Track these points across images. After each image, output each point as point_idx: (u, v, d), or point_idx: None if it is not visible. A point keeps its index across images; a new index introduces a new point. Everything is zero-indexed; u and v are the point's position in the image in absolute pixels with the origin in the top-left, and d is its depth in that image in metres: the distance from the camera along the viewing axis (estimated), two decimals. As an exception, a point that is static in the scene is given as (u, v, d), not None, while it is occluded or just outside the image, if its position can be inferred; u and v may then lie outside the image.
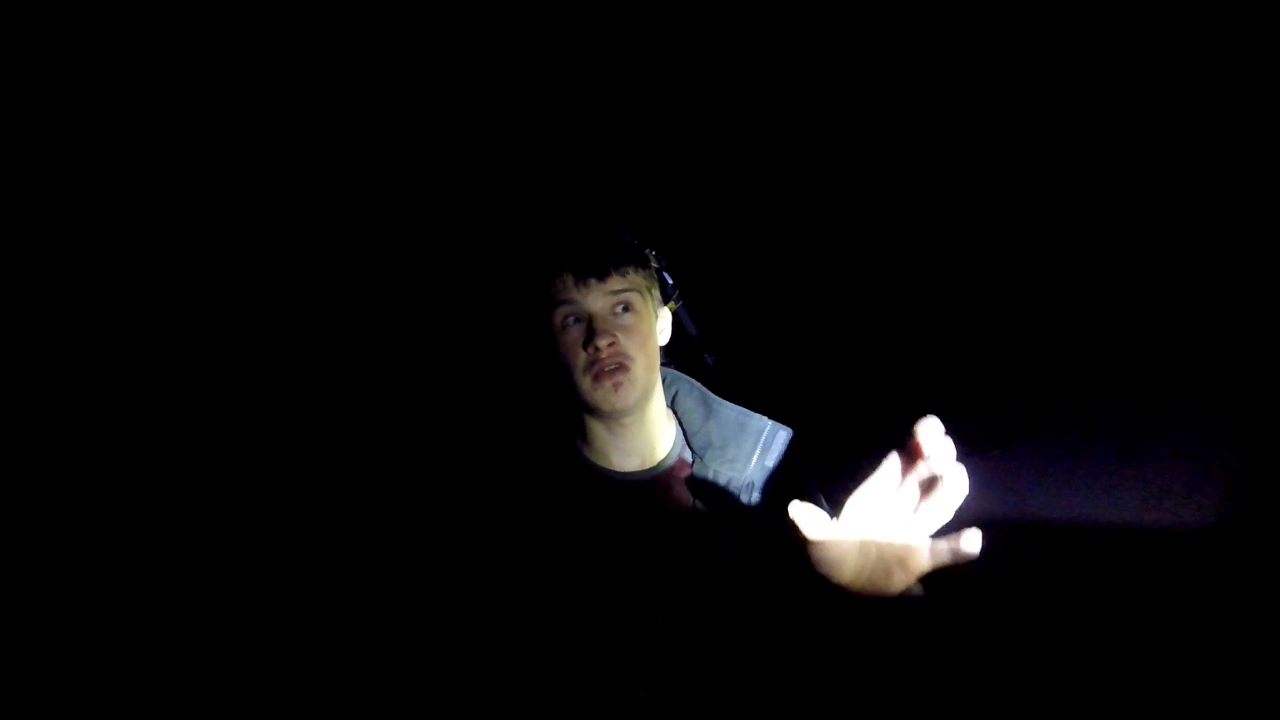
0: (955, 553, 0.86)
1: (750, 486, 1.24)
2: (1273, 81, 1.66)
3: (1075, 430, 1.84)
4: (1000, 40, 1.80)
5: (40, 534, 1.61)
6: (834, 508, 1.30)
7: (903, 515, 0.88)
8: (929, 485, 0.86)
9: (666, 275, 1.31)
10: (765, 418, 1.29)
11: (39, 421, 1.65)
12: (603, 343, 1.18)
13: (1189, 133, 1.76)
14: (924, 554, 0.88)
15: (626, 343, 1.20)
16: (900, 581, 0.91)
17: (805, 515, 0.90)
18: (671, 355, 1.36)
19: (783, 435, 1.27)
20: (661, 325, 1.29)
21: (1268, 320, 1.69)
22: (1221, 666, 1.49)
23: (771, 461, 1.25)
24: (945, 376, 1.93)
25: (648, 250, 1.28)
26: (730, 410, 1.29)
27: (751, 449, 1.25)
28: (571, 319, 1.20)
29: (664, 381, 1.32)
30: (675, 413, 1.33)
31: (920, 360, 1.95)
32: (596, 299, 1.19)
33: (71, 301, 1.68)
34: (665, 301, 1.31)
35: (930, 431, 0.84)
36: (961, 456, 0.86)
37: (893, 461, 0.88)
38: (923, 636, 1.06)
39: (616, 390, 1.19)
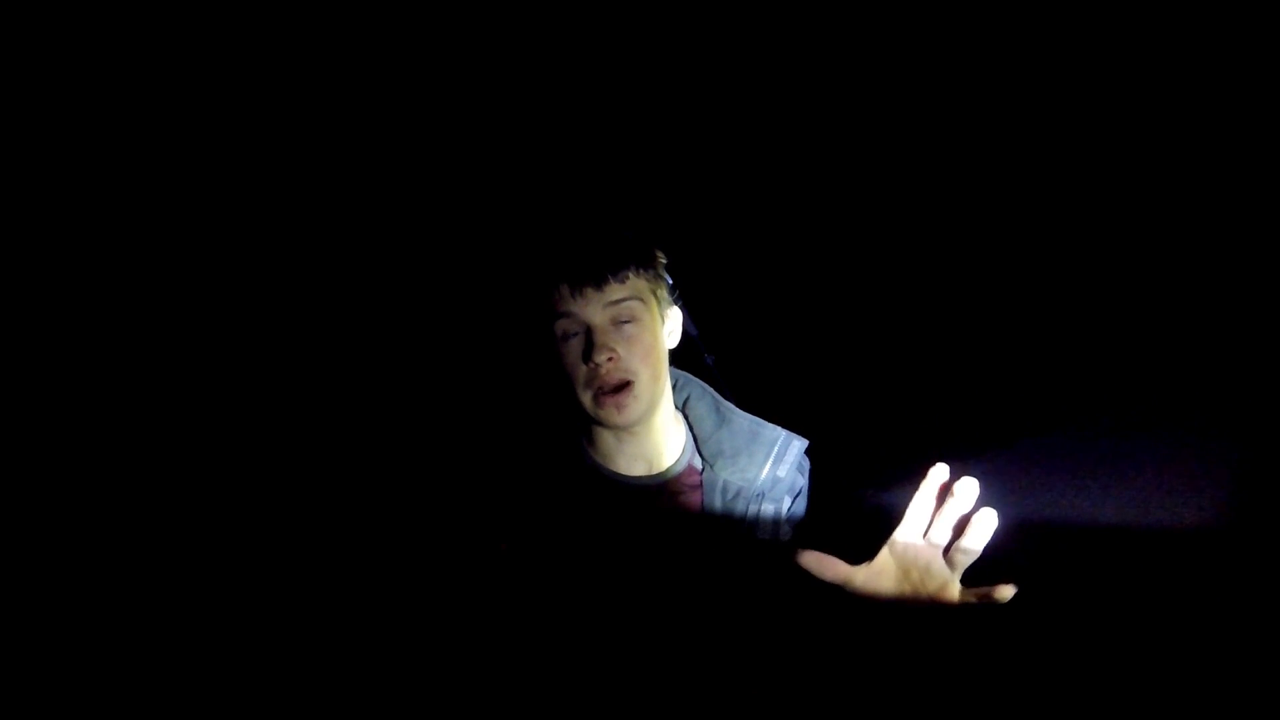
0: (986, 600, 0.94)
1: (760, 496, 1.22)
2: (1273, 81, 1.66)
3: (1075, 430, 1.84)
4: (1000, 40, 1.80)
5: (38, 533, 1.60)
6: (846, 517, 1.31)
7: (935, 555, 0.97)
8: (956, 527, 0.94)
9: (667, 275, 1.27)
10: (779, 428, 1.27)
11: (38, 421, 1.63)
12: (601, 358, 1.14)
13: (1188, 133, 1.75)
14: (954, 592, 0.97)
15: (628, 357, 1.16)
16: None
17: (819, 564, 0.98)
18: (673, 355, 1.33)
19: (796, 445, 1.25)
20: (670, 327, 1.25)
21: (1268, 320, 1.70)
22: (1221, 667, 1.50)
23: (784, 472, 1.23)
24: (944, 377, 1.92)
25: (653, 248, 1.23)
26: (743, 419, 1.27)
27: (764, 459, 1.23)
28: (571, 330, 1.16)
29: (674, 385, 1.30)
30: (685, 417, 1.30)
31: (919, 360, 1.94)
32: (595, 310, 1.15)
33: (70, 301, 1.66)
34: (674, 302, 1.27)
35: (942, 477, 0.94)
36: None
37: (920, 505, 0.96)
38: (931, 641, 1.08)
39: (620, 411, 1.16)
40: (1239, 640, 1.51)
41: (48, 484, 1.62)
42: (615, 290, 1.16)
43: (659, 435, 1.24)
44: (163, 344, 1.70)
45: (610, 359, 1.15)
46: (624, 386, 1.16)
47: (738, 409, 1.29)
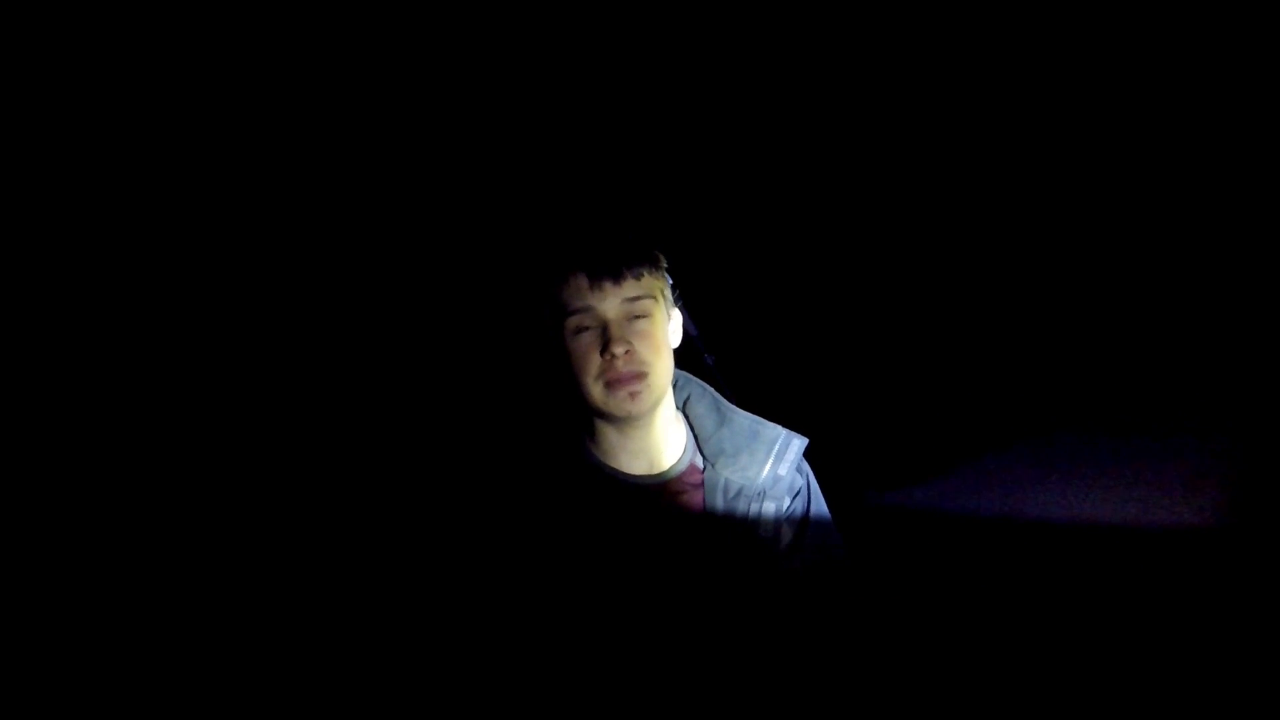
0: None
1: (761, 495, 1.23)
2: (1273, 82, 1.67)
3: (1074, 430, 1.85)
4: (1000, 40, 1.80)
5: (39, 534, 1.60)
6: (843, 514, 1.32)
7: None
8: None
9: (668, 275, 1.30)
10: (779, 426, 1.28)
11: (38, 421, 1.64)
12: (619, 350, 1.15)
13: (1188, 133, 1.76)
14: None
15: (642, 350, 1.17)
16: None
17: None
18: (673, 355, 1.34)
19: (796, 443, 1.26)
20: (673, 327, 1.27)
21: (1267, 321, 1.70)
22: (1221, 667, 1.50)
23: (784, 470, 1.24)
24: (943, 377, 1.93)
25: (656, 250, 1.25)
26: (744, 418, 1.28)
27: (765, 457, 1.24)
28: (585, 325, 1.17)
29: (674, 384, 1.30)
30: (686, 416, 1.31)
31: (918, 360, 1.95)
32: (611, 304, 1.17)
33: (69, 302, 1.66)
34: (675, 303, 1.28)
35: None
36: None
37: None
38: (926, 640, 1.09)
39: (633, 399, 1.17)
40: (1238, 640, 1.51)
41: (48, 485, 1.62)
42: (632, 286, 1.18)
43: (660, 433, 1.25)
44: (162, 343, 1.70)
45: (627, 351, 1.16)
46: (639, 376, 1.17)
47: (738, 408, 1.30)
